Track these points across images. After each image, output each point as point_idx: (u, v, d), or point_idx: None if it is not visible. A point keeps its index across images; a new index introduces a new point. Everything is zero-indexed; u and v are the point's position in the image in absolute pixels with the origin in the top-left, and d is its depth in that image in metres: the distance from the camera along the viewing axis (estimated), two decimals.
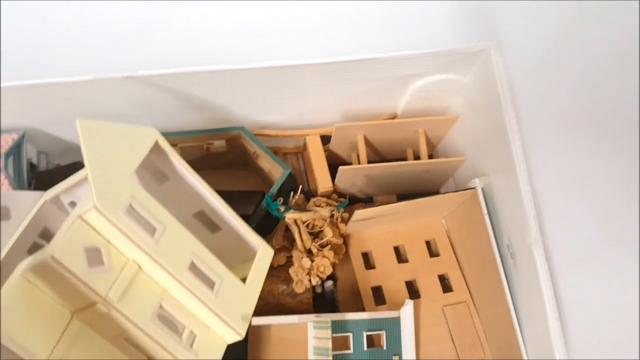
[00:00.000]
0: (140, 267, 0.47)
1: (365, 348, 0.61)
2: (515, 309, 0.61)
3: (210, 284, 0.50)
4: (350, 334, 0.61)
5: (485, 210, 0.63)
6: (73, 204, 0.55)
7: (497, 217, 0.63)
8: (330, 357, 0.57)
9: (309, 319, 0.59)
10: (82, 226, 0.44)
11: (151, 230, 0.47)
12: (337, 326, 0.60)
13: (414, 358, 0.63)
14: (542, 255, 0.55)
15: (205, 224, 0.60)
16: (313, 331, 0.59)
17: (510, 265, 0.62)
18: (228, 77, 0.61)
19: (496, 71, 0.60)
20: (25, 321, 0.40)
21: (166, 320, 0.48)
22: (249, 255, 0.59)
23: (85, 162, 0.44)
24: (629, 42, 0.92)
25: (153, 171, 0.56)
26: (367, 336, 0.62)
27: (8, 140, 0.63)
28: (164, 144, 0.53)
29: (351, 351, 0.61)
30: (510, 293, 0.62)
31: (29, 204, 0.52)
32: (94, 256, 0.44)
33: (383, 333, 0.63)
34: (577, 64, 0.89)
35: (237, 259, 0.60)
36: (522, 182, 0.57)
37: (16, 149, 0.63)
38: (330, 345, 0.58)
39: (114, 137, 0.48)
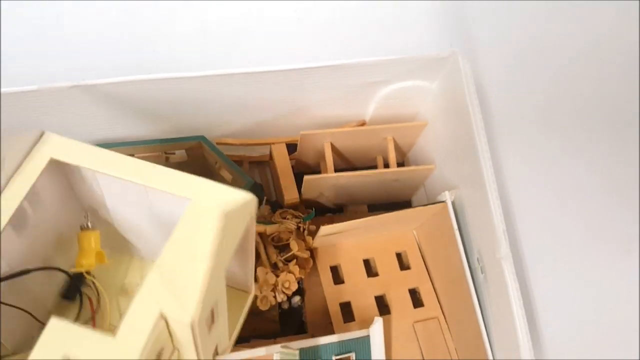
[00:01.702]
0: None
1: None
2: (485, 325, 0.59)
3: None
4: None
5: (455, 225, 0.60)
6: None
7: (467, 230, 0.61)
8: None
9: (275, 350, 0.56)
10: (162, 328, 0.38)
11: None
12: (304, 353, 0.56)
13: None
14: (511, 271, 0.53)
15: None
16: None
17: (481, 280, 0.59)
18: (186, 84, 0.58)
19: (464, 79, 0.58)
20: None
21: None
22: None
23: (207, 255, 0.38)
24: (604, 40, 0.90)
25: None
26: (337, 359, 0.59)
27: None
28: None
29: None
30: (481, 309, 0.59)
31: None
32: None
33: (352, 355, 0.60)
34: (553, 63, 0.87)
35: None
36: (491, 195, 0.54)
37: None
38: None
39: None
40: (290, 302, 0.69)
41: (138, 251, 0.56)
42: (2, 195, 0.41)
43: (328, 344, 0.59)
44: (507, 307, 0.53)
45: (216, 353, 0.50)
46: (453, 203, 0.62)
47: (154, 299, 0.37)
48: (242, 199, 0.41)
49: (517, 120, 0.81)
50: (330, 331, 0.66)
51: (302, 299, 0.70)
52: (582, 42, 0.90)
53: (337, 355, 0.59)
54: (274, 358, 0.55)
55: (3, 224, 0.40)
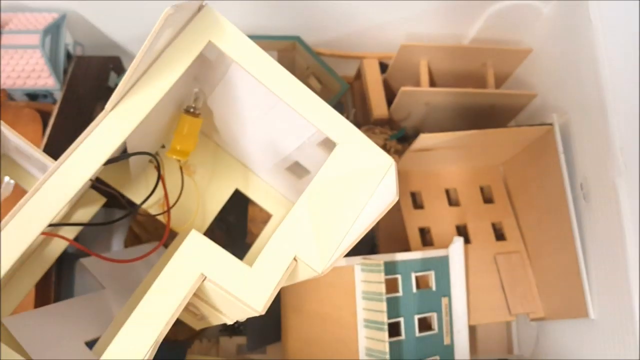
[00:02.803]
0: None
1: (414, 290, 0.56)
2: (584, 258, 0.55)
3: None
4: (399, 276, 0.55)
5: (561, 148, 0.57)
6: None
7: (571, 155, 0.58)
8: (385, 303, 0.51)
9: (356, 262, 0.54)
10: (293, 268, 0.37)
11: None
12: (385, 268, 0.53)
13: (465, 300, 0.58)
14: (626, 189, 0.49)
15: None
16: (361, 274, 0.53)
17: (583, 208, 0.56)
18: None
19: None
20: None
21: None
22: None
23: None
24: None
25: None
26: (416, 277, 0.56)
27: (47, 19, 0.57)
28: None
29: (400, 294, 0.55)
30: (580, 240, 0.56)
31: None
32: None
33: (432, 273, 0.58)
34: None
35: None
36: (611, 113, 0.51)
37: (55, 29, 0.58)
38: (384, 289, 0.51)
39: None
40: None
41: (219, 140, 0.53)
42: (152, 67, 0.37)
43: (409, 260, 0.56)
44: (618, 234, 0.50)
45: None
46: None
47: (292, 241, 0.36)
48: (385, 163, 0.38)
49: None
50: None
51: (377, 223, 0.67)
52: None
53: (417, 272, 0.56)
54: (355, 267, 0.53)
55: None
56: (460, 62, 0.66)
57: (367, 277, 0.53)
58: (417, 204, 0.67)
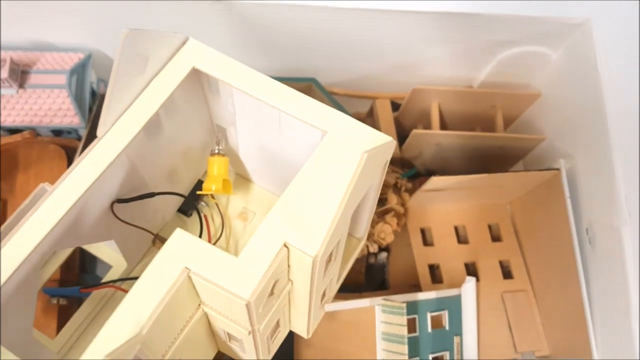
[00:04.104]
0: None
1: (429, 329, 0.57)
2: (589, 302, 0.57)
3: None
4: (417, 316, 0.56)
5: (567, 193, 0.59)
6: None
7: (578, 200, 0.59)
8: (406, 346, 0.51)
9: (377, 302, 0.54)
10: (283, 258, 0.36)
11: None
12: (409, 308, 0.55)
13: (476, 339, 0.59)
14: (631, 238, 0.51)
15: None
16: (382, 315, 0.53)
17: (588, 252, 0.57)
18: (306, 14, 0.58)
19: (597, 48, 0.57)
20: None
21: None
22: None
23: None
24: None
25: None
26: (431, 317, 0.57)
27: (74, 58, 0.60)
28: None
29: (417, 334, 0.56)
30: (585, 283, 0.58)
31: None
32: None
33: (445, 313, 0.59)
34: None
35: None
36: (616, 161, 0.53)
37: (81, 69, 0.60)
38: (405, 332, 0.52)
39: None
40: (376, 258, 0.68)
41: (257, 178, 0.55)
42: (138, 98, 0.40)
43: (424, 300, 0.57)
44: (621, 280, 0.51)
45: (323, 296, 0.49)
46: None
47: (280, 228, 0.36)
48: (382, 140, 0.39)
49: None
50: (412, 292, 0.65)
51: (387, 257, 0.69)
52: None
53: (433, 312, 0.58)
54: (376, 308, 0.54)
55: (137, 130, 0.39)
56: (470, 105, 0.68)
57: (387, 318, 0.53)
58: (427, 240, 0.68)
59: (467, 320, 0.59)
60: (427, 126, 0.69)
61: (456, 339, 0.58)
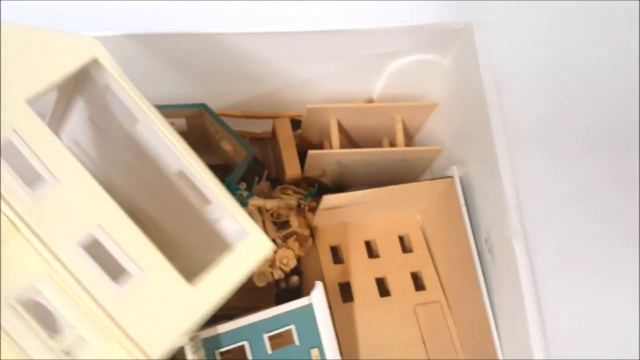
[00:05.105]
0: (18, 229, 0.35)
1: (269, 352, 0.53)
2: (492, 309, 0.57)
3: (119, 274, 0.37)
4: (246, 342, 0.53)
5: (462, 201, 0.58)
6: None
7: (475, 209, 0.59)
8: None
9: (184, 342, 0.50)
10: None
11: (35, 180, 0.35)
12: (224, 338, 0.52)
13: (336, 346, 0.55)
14: (522, 249, 0.51)
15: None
16: (191, 355, 0.50)
17: (488, 262, 0.57)
18: (193, 43, 0.56)
19: (479, 52, 0.56)
20: None
21: (41, 308, 0.36)
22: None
23: None
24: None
25: (98, 107, 0.45)
26: (272, 337, 0.54)
27: None
28: (111, 65, 0.41)
29: None
30: (488, 292, 0.57)
31: None
32: None
33: (292, 327, 0.55)
34: (569, 56, 0.85)
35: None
36: (503, 169, 0.53)
37: None
38: None
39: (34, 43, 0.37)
40: (287, 282, 0.67)
41: None
42: None
43: (254, 322, 0.54)
44: (517, 289, 0.51)
45: None
46: (461, 180, 0.60)
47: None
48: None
49: (524, 108, 0.80)
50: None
51: (300, 280, 0.67)
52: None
53: (271, 331, 0.54)
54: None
55: None
56: (370, 119, 0.67)
57: (200, 356, 0.50)
58: (338, 259, 0.67)
59: (323, 328, 0.55)
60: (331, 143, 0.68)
61: (314, 352, 0.55)
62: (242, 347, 0.53)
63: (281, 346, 0.54)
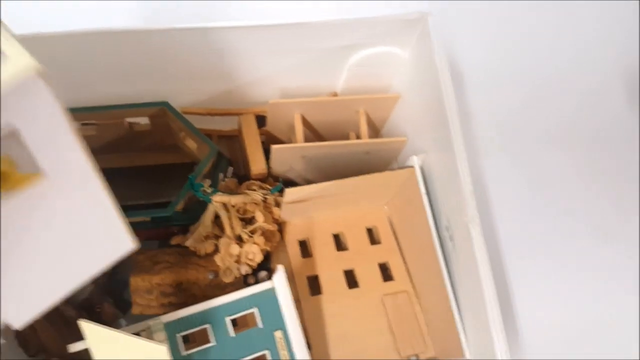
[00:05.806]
0: None
1: (232, 334, 0.54)
2: (456, 295, 0.57)
3: None
4: (209, 325, 0.54)
5: (422, 189, 0.59)
6: None
7: (436, 197, 0.59)
8: None
9: (144, 326, 0.52)
10: None
11: None
12: (186, 322, 0.52)
13: (299, 327, 0.56)
14: (479, 234, 0.51)
15: None
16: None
17: (450, 249, 0.58)
18: (153, 38, 0.56)
19: (434, 42, 0.57)
20: None
21: None
22: None
23: None
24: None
25: None
26: (235, 320, 0.55)
27: None
28: None
29: (213, 343, 0.53)
30: (451, 278, 0.58)
31: None
32: None
33: (255, 310, 0.56)
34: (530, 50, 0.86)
35: None
36: (459, 156, 0.53)
37: None
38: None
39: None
40: (256, 277, 0.67)
41: None
42: None
43: (216, 306, 0.55)
44: (475, 274, 0.52)
45: None
46: (423, 170, 0.60)
47: None
48: None
49: (490, 96, 0.80)
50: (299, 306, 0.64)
51: (269, 275, 0.68)
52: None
53: (234, 314, 0.55)
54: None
55: None
56: (334, 112, 0.67)
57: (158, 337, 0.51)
58: (307, 252, 0.67)
59: (286, 310, 0.56)
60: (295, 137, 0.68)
61: (277, 334, 0.55)
62: (204, 330, 0.53)
63: (244, 329, 0.55)
